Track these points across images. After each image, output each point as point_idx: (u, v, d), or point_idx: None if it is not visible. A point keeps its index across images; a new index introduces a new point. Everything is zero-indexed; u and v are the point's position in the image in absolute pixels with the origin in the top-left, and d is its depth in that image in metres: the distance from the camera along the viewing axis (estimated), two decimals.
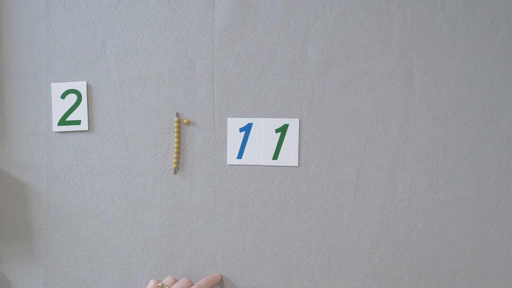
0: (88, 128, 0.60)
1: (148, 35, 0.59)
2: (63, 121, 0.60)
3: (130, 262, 0.60)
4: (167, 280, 0.56)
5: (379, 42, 0.58)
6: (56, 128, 0.60)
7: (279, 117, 0.59)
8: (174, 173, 0.59)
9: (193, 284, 0.56)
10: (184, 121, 0.59)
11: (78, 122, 0.60)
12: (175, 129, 0.59)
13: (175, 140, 0.59)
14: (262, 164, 0.59)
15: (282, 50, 0.58)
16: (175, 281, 0.56)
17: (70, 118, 0.60)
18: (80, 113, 0.60)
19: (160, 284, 0.55)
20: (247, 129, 0.59)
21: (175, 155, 0.59)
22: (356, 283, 0.58)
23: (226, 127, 0.59)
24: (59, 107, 0.60)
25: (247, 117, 0.59)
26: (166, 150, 0.59)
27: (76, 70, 0.60)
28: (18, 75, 0.60)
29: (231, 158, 0.59)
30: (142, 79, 0.59)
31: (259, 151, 0.58)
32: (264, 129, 0.59)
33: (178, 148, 0.59)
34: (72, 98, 0.60)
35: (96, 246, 0.60)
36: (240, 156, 0.59)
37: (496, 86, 0.58)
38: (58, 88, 0.60)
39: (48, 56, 0.60)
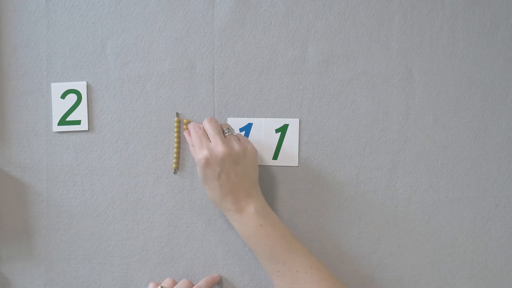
0: (88, 128, 0.60)
1: (148, 35, 0.59)
2: (63, 121, 0.60)
3: (130, 262, 0.60)
4: (166, 282, 0.56)
5: (379, 42, 0.58)
6: (56, 128, 0.60)
7: (279, 117, 0.59)
8: (174, 173, 0.59)
9: (193, 286, 0.56)
10: (184, 121, 0.59)
11: (78, 122, 0.60)
12: (175, 129, 0.59)
13: (175, 140, 0.59)
14: (262, 164, 0.59)
15: (282, 50, 0.58)
16: (175, 283, 0.56)
17: (70, 118, 0.60)
18: (80, 113, 0.60)
19: (159, 287, 0.55)
20: (247, 129, 0.59)
21: (175, 155, 0.59)
22: (356, 283, 0.58)
23: None
24: (59, 107, 0.60)
25: (247, 117, 0.59)
26: (166, 150, 0.59)
27: (76, 70, 0.60)
28: (18, 75, 0.60)
29: None
30: (142, 79, 0.59)
31: (259, 151, 0.58)
32: (264, 129, 0.59)
33: (178, 148, 0.59)
34: (72, 98, 0.60)
35: (96, 246, 0.60)
36: None
37: (496, 86, 0.58)
38: (58, 88, 0.60)
39: (48, 56, 0.60)
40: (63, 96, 0.60)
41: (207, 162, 0.50)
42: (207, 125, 0.54)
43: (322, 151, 0.58)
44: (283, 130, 0.58)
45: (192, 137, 0.54)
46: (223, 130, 0.54)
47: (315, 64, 0.58)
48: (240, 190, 0.51)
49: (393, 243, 0.58)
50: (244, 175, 0.51)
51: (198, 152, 0.52)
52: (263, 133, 0.59)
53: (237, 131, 0.59)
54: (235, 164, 0.51)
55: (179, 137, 0.59)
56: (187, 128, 0.57)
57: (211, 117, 0.55)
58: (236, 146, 0.52)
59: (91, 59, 0.60)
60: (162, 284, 0.56)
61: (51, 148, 0.60)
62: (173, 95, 0.59)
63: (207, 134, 0.53)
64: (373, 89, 0.58)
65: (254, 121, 0.59)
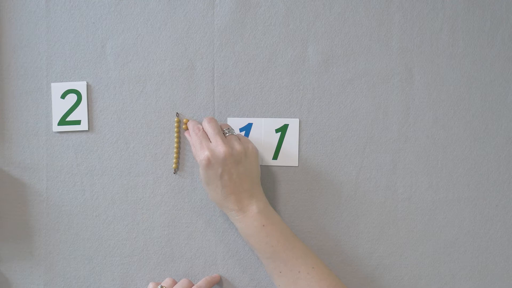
0: (88, 128, 0.60)
1: (148, 35, 0.59)
2: (63, 121, 0.60)
3: (130, 262, 0.60)
4: (166, 282, 0.56)
5: (379, 42, 0.58)
6: (56, 128, 0.60)
7: (279, 117, 0.59)
8: (174, 173, 0.59)
9: (193, 285, 0.56)
10: (184, 120, 0.58)
11: (78, 122, 0.60)
12: (175, 129, 0.59)
13: (175, 140, 0.59)
14: (262, 164, 0.59)
15: (282, 50, 0.58)
16: (174, 283, 0.56)
17: (70, 118, 0.60)
18: (80, 113, 0.60)
19: (159, 287, 0.55)
20: (247, 129, 0.59)
21: (175, 155, 0.59)
22: (356, 283, 0.58)
23: None
24: (59, 107, 0.60)
25: (247, 117, 0.59)
26: (166, 150, 0.59)
27: (76, 70, 0.60)
28: (18, 75, 0.60)
29: None
30: (142, 79, 0.59)
31: (259, 151, 0.58)
32: (264, 129, 0.59)
33: (178, 148, 0.59)
34: (72, 98, 0.60)
35: (96, 246, 0.60)
36: None
37: (496, 86, 0.58)
38: (58, 88, 0.60)
39: (48, 56, 0.60)
40: (63, 96, 0.60)
41: (209, 163, 0.50)
42: (206, 125, 0.54)
43: (322, 151, 0.58)
44: (283, 130, 0.58)
45: (192, 138, 0.54)
46: (223, 131, 0.54)
47: (315, 64, 0.58)
48: (242, 190, 0.51)
49: (393, 243, 0.58)
50: (246, 175, 0.51)
51: (199, 153, 0.51)
52: (263, 133, 0.59)
53: (237, 131, 0.59)
54: (237, 164, 0.51)
55: (179, 137, 0.59)
56: (187, 128, 0.57)
57: (211, 117, 0.55)
58: (237, 146, 0.52)
59: (91, 59, 0.60)
60: (162, 284, 0.56)
61: (51, 148, 0.60)
62: (173, 95, 0.59)
63: (206, 135, 0.53)
64: (373, 89, 0.58)
65: (254, 121, 0.59)
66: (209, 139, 0.53)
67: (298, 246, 0.51)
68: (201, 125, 0.55)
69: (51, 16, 0.60)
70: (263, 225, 0.50)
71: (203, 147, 0.51)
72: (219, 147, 0.50)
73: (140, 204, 0.60)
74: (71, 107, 0.59)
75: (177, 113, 0.59)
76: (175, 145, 0.59)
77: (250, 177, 0.52)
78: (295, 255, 0.50)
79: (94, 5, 0.59)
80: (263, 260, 0.52)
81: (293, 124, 0.58)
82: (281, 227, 0.51)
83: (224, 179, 0.50)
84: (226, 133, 0.54)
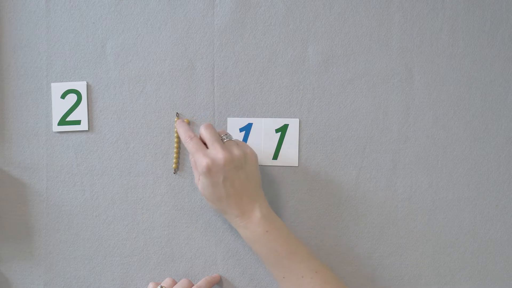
0: (88, 128, 0.60)
1: (148, 35, 0.59)
2: (63, 121, 0.60)
3: (130, 262, 0.60)
4: (166, 282, 0.56)
5: (379, 42, 0.58)
6: (56, 128, 0.60)
7: (279, 117, 0.59)
8: (174, 173, 0.59)
9: (193, 285, 0.56)
10: (185, 120, 0.58)
11: (78, 122, 0.60)
12: (175, 129, 0.59)
13: (175, 140, 0.59)
14: (262, 164, 0.59)
15: (282, 50, 0.58)
16: (174, 283, 0.56)
17: (70, 118, 0.60)
18: (80, 113, 0.60)
19: (159, 287, 0.55)
20: (247, 129, 0.59)
21: (175, 155, 0.59)
22: (356, 283, 0.58)
23: (226, 127, 0.59)
24: (59, 107, 0.60)
25: (247, 117, 0.59)
26: (166, 150, 0.59)
27: (76, 70, 0.60)
28: (18, 75, 0.60)
29: None
30: (142, 79, 0.59)
31: (259, 151, 0.58)
32: (264, 129, 0.59)
33: (178, 148, 0.59)
34: (72, 98, 0.60)
35: (96, 246, 0.60)
36: None
37: (496, 86, 0.58)
38: (58, 88, 0.60)
39: (48, 56, 0.60)
40: (63, 96, 0.60)
41: (209, 171, 0.49)
42: (203, 132, 0.52)
43: (322, 151, 0.58)
44: (283, 130, 0.58)
45: (187, 147, 0.53)
46: (221, 137, 0.53)
47: (315, 64, 0.58)
48: (244, 196, 0.51)
49: (393, 243, 0.58)
50: (247, 180, 0.51)
51: (199, 161, 0.50)
52: (263, 133, 0.59)
53: (237, 132, 0.59)
54: (238, 169, 0.50)
55: (179, 137, 0.59)
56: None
57: (208, 123, 0.53)
58: (236, 151, 0.51)
59: (91, 59, 0.60)
60: (162, 284, 0.56)
61: (51, 148, 0.60)
62: (173, 95, 0.59)
63: (201, 141, 0.52)
64: (373, 89, 0.58)
65: (254, 121, 0.59)
66: (205, 145, 0.51)
67: (301, 250, 0.51)
68: (191, 132, 0.53)
69: (51, 16, 0.60)
70: (267, 231, 0.50)
71: (202, 155, 0.50)
72: (219, 154, 0.49)
73: (140, 204, 0.60)
74: (71, 107, 0.59)
75: (177, 113, 0.59)
76: (175, 145, 0.59)
77: (251, 182, 0.51)
78: (298, 259, 0.50)
79: (94, 5, 0.59)
80: (267, 266, 0.51)
81: (293, 124, 0.58)
82: (284, 232, 0.51)
83: (226, 186, 0.50)
84: (224, 139, 0.52)
